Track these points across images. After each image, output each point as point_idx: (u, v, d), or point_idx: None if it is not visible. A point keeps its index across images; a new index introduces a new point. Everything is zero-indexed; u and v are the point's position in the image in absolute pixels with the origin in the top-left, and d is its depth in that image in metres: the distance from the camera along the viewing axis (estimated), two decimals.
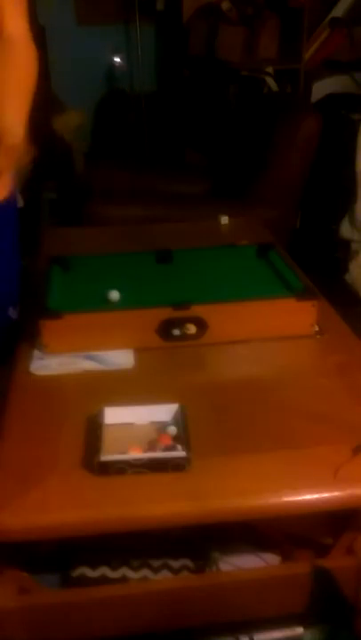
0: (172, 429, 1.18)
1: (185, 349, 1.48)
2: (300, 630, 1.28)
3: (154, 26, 4.30)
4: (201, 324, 1.48)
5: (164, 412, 1.23)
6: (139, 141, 4.27)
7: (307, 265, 1.82)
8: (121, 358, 1.45)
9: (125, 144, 4.25)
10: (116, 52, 4.37)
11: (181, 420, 1.20)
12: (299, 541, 1.33)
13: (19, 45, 1.41)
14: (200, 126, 3.80)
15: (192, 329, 1.48)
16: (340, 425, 1.23)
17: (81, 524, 1.08)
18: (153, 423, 1.23)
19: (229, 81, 3.51)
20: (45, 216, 3.74)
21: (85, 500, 1.09)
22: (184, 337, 1.48)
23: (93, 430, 1.19)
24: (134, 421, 1.23)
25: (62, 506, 1.07)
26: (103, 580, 1.29)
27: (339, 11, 3.60)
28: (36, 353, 1.46)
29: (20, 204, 1.73)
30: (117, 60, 4.39)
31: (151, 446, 1.16)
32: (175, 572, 1.31)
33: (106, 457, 1.11)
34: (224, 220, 2.22)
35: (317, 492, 1.10)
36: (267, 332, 1.51)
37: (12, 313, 1.68)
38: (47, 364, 1.43)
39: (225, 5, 3.56)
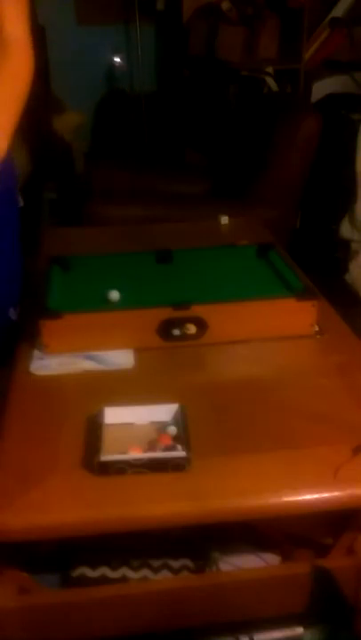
0: (172, 429, 1.18)
1: (185, 349, 1.48)
2: (300, 630, 1.28)
3: (154, 26, 4.30)
4: (201, 324, 1.48)
5: (164, 412, 1.23)
6: (139, 141, 4.27)
7: (307, 265, 1.82)
8: (121, 358, 1.45)
9: (125, 144, 4.25)
10: (116, 52, 4.38)
11: (181, 420, 1.20)
12: (299, 541, 1.33)
13: (16, 49, 1.38)
14: (200, 126, 3.80)
15: (192, 329, 1.48)
16: (340, 425, 1.23)
17: (81, 523, 1.08)
18: (153, 423, 1.23)
19: (229, 81, 3.51)
20: (45, 216, 3.74)
21: (85, 500, 1.09)
22: (184, 337, 1.48)
23: (93, 430, 1.19)
24: (134, 421, 1.23)
25: (62, 506, 1.08)
26: (103, 580, 1.29)
27: (339, 11, 3.60)
28: (36, 353, 1.46)
29: (20, 203, 1.72)
30: (117, 60, 4.39)
31: (151, 446, 1.16)
32: (175, 572, 1.31)
33: (106, 457, 1.11)
34: (224, 220, 2.22)
35: (317, 492, 1.10)
36: (267, 331, 1.51)
37: (13, 314, 1.68)
38: (47, 364, 1.43)
39: (225, 5, 3.56)
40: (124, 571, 1.31)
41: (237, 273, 1.73)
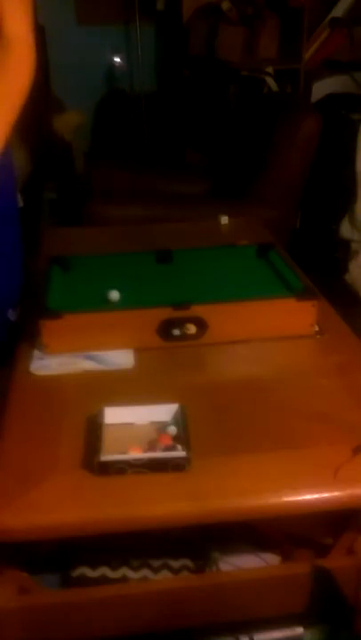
0: (172, 429, 1.18)
1: (185, 349, 1.48)
2: (300, 630, 1.28)
3: (154, 26, 4.30)
4: (201, 324, 1.48)
5: (164, 412, 1.23)
6: (139, 141, 4.27)
7: (307, 265, 1.82)
8: (121, 358, 1.45)
9: (125, 144, 4.25)
10: (116, 52, 4.38)
11: (181, 419, 1.20)
12: (299, 541, 1.33)
13: (17, 46, 1.38)
14: (200, 126, 3.80)
15: (192, 329, 1.48)
16: (340, 425, 1.23)
17: (81, 523, 1.08)
18: (153, 423, 1.23)
19: (229, 81, 3.51)
20: (45, 216, 3.74)
21: (85, 500, 1.09)
22: (184, 337, 1.48)
23: (93, 430, 1.19)
24: (134, 421, 1.23)
25: (62, 506, 1.08)
26: (103, 580, 1.29)
27: (339, 11, 3.60)
28: (36, 353, 1.46)
29: (20, 204, 1.72)
30: (117, 59, 4.39)
31: (151, 446, 1.16)
32: (175, 572, 1.31)
33: (106, 457, 1.11)
34: (224, 220, 2.22)
35: (317, 492, 1.10)
36: (267, 331, 1.51)
37: (12, 315, 1.67)
38: (47, 364, 1.43)
39: (225, 5, 3.56)
40: (124, 571, 1.31)
41: (237, 273, 1.73)
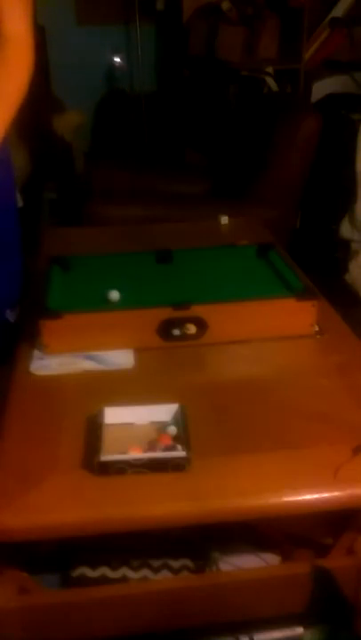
0: (172, 429, 1.18)
1: (185, 349, 1.48)
2: (300, 630, 1.28)
3: (154, 26, 4.30)
4: (201, 324, 1.48)
5: (164, 412, 1.23)
6: (139, 141, 4.27)
7: (307, 265, 1.82)
8: (121, 358, 1.45)
9: (125, 144, 4.25)
10: (116, 52, 4.37)
11: (181, 419, 1.20)
12: (299, 541, 1.33)
13: (15, 45, 1.37)
14: (200, 126, 3.80)
15: (192, 329, 1.48)
16: (340, 425, 1.23)
17: (81, 523, 1.08)
18: (153, 423, 1.23)
19: (229, 81, 3.51)
20: (45, 216, 3.74)
21: (85, 500, 1.09)
22: (184, 337, 1.48)
23: (93, 430, 1.19)
24: (134, 421, 1.23)
25: (62, 506, 1.07)
26: (103, 580, 1.29)
27: (339, 11, 3.60)
28: (36, 353, 1.46)
29: (20, 204, 1.72)
30: (117, 59, 4.39)
31: (151, 446, 1.16)
32: (175, 572, 1.31)
33: (106, 457, 1.11)
34: (224, 220, 2.22)
35: (317, 492, 1.10)
36: (267, 331, 1.51)
37: (10, 315, 1.67)
38: (47, 364, 1.43)
39: (225, 5, 3.56)
40: (124, 571, 1.31)
41: (237, 273, 1.73)
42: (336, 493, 1.10)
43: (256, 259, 1.80)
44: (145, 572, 1.31)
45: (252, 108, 3.20)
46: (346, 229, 2.92)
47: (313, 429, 1.23)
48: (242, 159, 2.99)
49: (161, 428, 1.21)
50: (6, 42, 1.37)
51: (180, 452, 1.12)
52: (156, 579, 1.29)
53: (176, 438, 1.16)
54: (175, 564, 1.32)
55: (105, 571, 1.30)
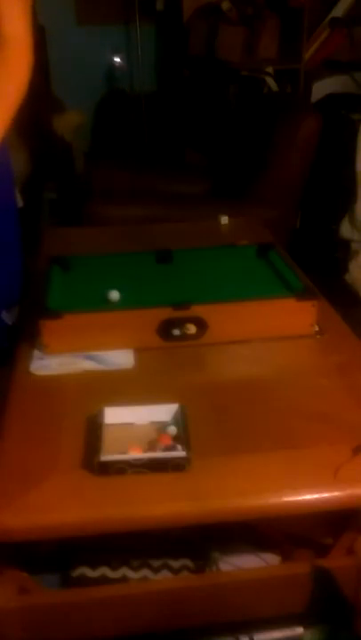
0: (172, 429, 1.18)
1: (185, 349, 1.48)
2: (300, 630, 1.28)
3: (154, 26, 4.30)
4: (201, 324, 1.48)
5: (164, 412, 1.23)
6: (139, 141, 4.27)
7: (307, 265, 1.82)
8: (121, 358, 1.45)
9: (125, 144, 4.25)
10: (116, 52, 4.37)
11: (181, 419, 1.20)
12: (299, 541, 1.33)
13: (14, 46, 1.37)
14: (200, 126, 3.80)
15: (192, 329, 1.48)
16: (340, 425, 1.23)
17: (81, 523, 1.08)
18: (153, 423, 1.23)
19: (229, 81, 3.51)
20: (45, 216, 3.74)
21: (85, 500, 1.09)
22: (184, 337, 1.48)
23: (93, 430, 1.19)
24: (134, 421, 1.23)
25: (62, 506, 1.07)
26: (103, 580, 1.29)
27: (339, 11, 3.60)
28: (36, 353, 1.46)
29: (20, 204, 1.72)
30: (117, 59, 4.39)
31: (151, 446, 1.16)
32: (175, 572, 1.31)
33: (106, 457, 1.11)
34: (224, 220, 2.22)
35: (317, 492, 1.10)
36: (267, 332, 1.51)
37: (7, 317, 1.67)
38: (47, 364, 1.43)
39: (225, 5, 3.56)
40: (124, 571, 1.31)
41: (237, 273, 1.73)
42: (336, 493, 1.10)
43: (256, 259, 1.80)
44: (145, 572, 1.31)
45: (252, 108, 3.20)
46: (346, 229, 2.92)
47: (313, 429, 1.23)
48: (242, 159, 2.99)
49: (161, 428, 1.21)
50: (5, 42, 1.37)
51: (180, 452, 1.12)
52: (156, 579, 1.29)
53: (176, 438, 1.16)
54: (175, 563, 1.32)
55: (105, 571, 1.30)
